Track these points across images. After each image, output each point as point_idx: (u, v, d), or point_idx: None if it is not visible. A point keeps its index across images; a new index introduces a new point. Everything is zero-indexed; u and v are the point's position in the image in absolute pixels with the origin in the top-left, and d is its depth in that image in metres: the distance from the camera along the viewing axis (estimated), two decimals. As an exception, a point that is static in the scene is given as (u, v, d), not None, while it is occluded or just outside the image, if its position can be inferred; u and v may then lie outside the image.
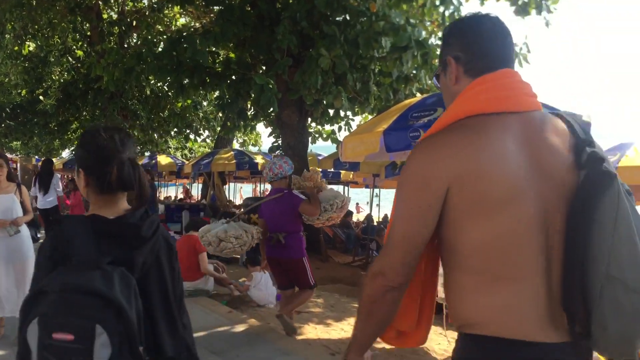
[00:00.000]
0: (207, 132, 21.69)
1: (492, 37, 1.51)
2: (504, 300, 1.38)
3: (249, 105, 10.95)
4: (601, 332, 1.32)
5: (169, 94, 18.87)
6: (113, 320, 1.38)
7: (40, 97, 16.37)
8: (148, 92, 18.36)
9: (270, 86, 7.96)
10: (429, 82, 8.83)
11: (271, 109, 11.29)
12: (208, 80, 10.34)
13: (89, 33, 16.80)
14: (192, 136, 21.46)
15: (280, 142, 11.27)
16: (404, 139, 4.49)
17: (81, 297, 1.38)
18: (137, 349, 1.43)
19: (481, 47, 1.51)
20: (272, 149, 11.31)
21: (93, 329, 1.35)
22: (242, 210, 9.92)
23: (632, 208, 1.33)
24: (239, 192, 26.58)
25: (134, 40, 16.92)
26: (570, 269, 1.36)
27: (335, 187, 12.42)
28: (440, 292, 5.55)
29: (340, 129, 12.70)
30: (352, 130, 13.37)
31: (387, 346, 5.32)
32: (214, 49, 9.97)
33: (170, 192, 28.10)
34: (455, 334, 5.39)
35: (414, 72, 8.46)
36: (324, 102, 9.74)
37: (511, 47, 1.54)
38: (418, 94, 9.41)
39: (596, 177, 1.34)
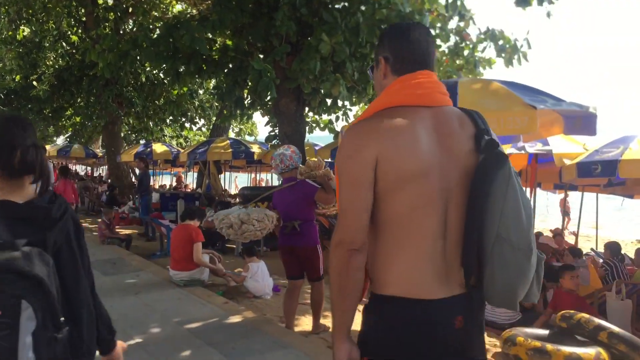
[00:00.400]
0: (202, 121, 21.54)
1: (416, 44, 1.81)
2: (406, 262, 1.65)
3: (245, 94, 10.81)
4: (490, 283, 1.65)
5: (165, 81, 18.71)
6: (37, 296, 1.52)
7: (34, 83, 16.13)
8: (143, 80, 18.16)
9: (268, 72, 7.81)
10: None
11: (269, 97, 11.26)
12: (205, 68, 10.19)
13: (84, 19, 16.55)
14: (187, 124, 21.30)
15: (277, 131, 11.14)
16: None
17: (5, 276, 1.50)
18: (58, 321, 1.60)
19: (406, 51, 1.81)
20: (269, 138, 11.20)
21: (19, 305, 1.49)
22: (237, 199, 9.83)
23: (518, 184, 1.66)
24: (234, 182, 26.46)
25: (130, 27, 16.68)
26: (470, 232, 1.65)
27: (332, 178, 12.32)
28: None
29: (337, 118, 12.59)
30: (350, 121, 13.30)
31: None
32: (211, 36, 9.79)
33: (165, 180, 27.95)
34: None
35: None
36: (322, 91, 9.62)
37: (432, 53, 1.84)
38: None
39: (492, 159, 1.66)
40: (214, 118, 19.72)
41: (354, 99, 9.64)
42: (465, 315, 1.68)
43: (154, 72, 18.43)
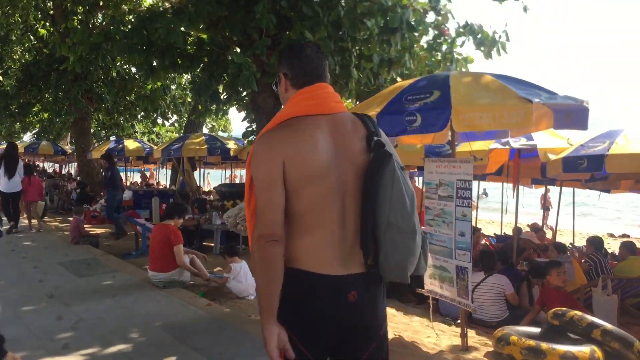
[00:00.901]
0: (175, 117, 21.13)
1: (310, 60, 2.09)
2: (310, 243, 1.95)
3: (221, 89, 10.55)
4: (385, 262, 1.93)
5: (136, 76, 18.27)
6: None
7: (0, 78, 15.59)
8: (114, 75, 17.70)
9: (249, 66, 7.60)
10: (412, 66, 8.61)
11: (245, 92, 11.03)
12: (180, 62, 9.92)
13: (52, 12, 16.06)
14: (160, 120, 20.89)
15: (254, 127, 10.92)
16: (399, 123, 4.26)
17: None
18: None
19: (302, 67, 2.08)
20: (245, 134, 10.94)
21: None
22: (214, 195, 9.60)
23: (402, 177, 1.94)
24: (207, 178, 26.10)
25: (100, 21, 16.23)
26: (365, 219, 1.93)
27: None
28: (428, 284, 5.25)
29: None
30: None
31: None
32: (185, 29, 9.51)
33: (137, 177, 27.42)
34: (442, 326, 5.14)
35: (398, 55, 8.19)
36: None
37: (325, 67, 2.13)
38: (399, 79, 9.20)
39: (379, 157, 1.95)
40: (187, 114, 19.38)
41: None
42: (360, 291, 1.97)
43: (125, 67, 17.99)
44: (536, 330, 5.01)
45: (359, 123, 2.08)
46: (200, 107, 12.02)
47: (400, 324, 5.71)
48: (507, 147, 7.19)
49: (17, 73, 15.28)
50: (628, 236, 18.44)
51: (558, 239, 11.49)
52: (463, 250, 4.67)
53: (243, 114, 12.10)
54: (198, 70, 10.24)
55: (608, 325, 4.57)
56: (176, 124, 20.83)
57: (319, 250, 1.96)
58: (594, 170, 6.39)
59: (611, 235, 19.28)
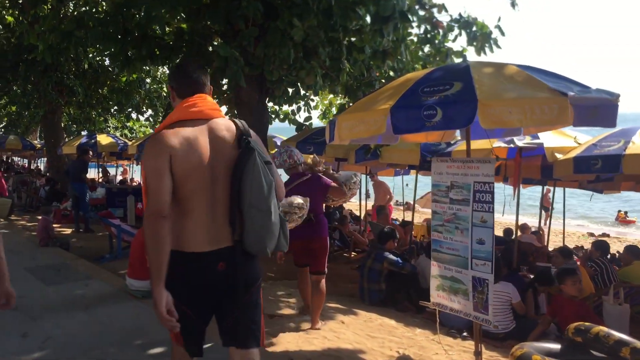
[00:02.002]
0: (150, 112, 20.35)
1: (190, 75, 2.62)
2: (181, 228, 2.41)
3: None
4: (247, 237, 2.43)
5: (109, 68, 17.49)
6: None
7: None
8: (86, 67, 16.91)
9: (236, 59, 7.04)
10: (407, 58, 8.14)
11: (225, 86, 10.44)
12: (157, 53, 9.30)
13: (20, 1, 15.22)
14: (134, 115, 20.10)
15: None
16: (416, 118, 3.76)
17: None
18: None
19: (184, 81, 2.62)
20: (228, 130, 10.40)
21: None
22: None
23: (262, 168, 2.45)
24: None
25: (71, 10, 15.44)
26: (233, 201, 2.42)
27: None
28: (434, 296, 4.73)
29: (299, 109, 11.90)
30: (311, 111, 12.60)
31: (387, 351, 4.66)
32: (166, 16, 8.90)
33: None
34: (448, 339, 4.51)
35: (393, 47, 7.70)
36: (285, 79, 8.90)
37: (205, 81, 2.65)
38: (391, 73, 8.72)
39: (245, 151, 2.45)
40: (162, 109, 18.67)
41: (326, 87, 8.86)
42: (227, 261, 2.44)
43: (98, 58, 17.21)
44: (555, 346, 4.58)
45: (232, 126, 2.57)
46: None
47: (403, 338, 5.24)
48: (511, 145, 6.76)
49: (-16, 63, 14.42)
50: (608, 235, 18.37)
51: (552, 240, 11.18)
52: (482, 260, 4.20)
53: (223, 108, 11.54)
54: (177, 61, 9.63)
55: (638, 343, 4.16)
56: (151, 119, 20.02)
57: (192, 233, 2.43)
58: (609, 171, 6.01)
59: (591, 235, 19.20)
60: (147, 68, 14.72)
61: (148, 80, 18.13)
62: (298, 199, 4.84)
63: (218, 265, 2.43)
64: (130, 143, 15.16)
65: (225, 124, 2.55)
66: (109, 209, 11.54)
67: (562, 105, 3.54)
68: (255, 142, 2.52)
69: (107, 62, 17.76)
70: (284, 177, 5.46)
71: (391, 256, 6.55)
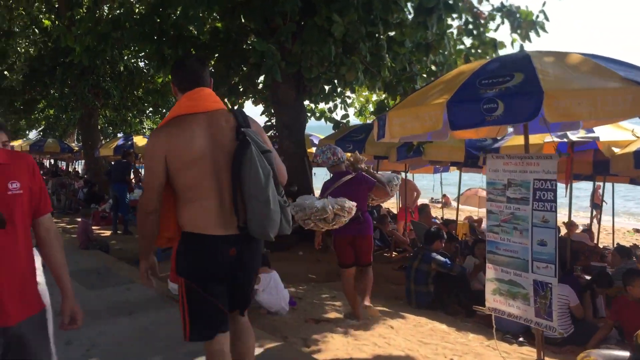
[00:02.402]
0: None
1: (190, 71, 2.77)
2: (194, 212, 2.64)
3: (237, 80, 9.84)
4: (250, 224, 2.57)
5: (144, 70, 17.58)
6: None
7: (6, 73, 14.92)
8: (121, 69, 17.02)
9: (272, 54, 6.87)
10: (451, 50, 7.86)
11: (261, 84, 10.30)
12: (193, 52, 9.22)
13: (56, 5, 15.38)
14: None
15: (274, 121, 10.22)
16: (475, 112, 3.52)
17: None
18: None
19: (184, 76, 2.78)
20: (265, 129, 10.24)
21: None
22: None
23: (259, 158, 2.56)
24: None
25: (106, 12, 15.52)
26: (235, 191, 2.58)
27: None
28: (490, 301, 4.44)
29: (336, 107, 11.70)
30: (348, 109, 12.39)
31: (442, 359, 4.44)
32: (201, 15, 8.79)
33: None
34: (504, 345, 4.08)
35: (437, 39, 7.43)
36: (323, 76, 8.70)
37: (205, 75, 2.78)
38: (433, 67, 8.45)
39: (242, 143, 2.58)
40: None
41: (365, 84, 8.63)
42: (237, 247, 2.66)
43: (132, 60, 17.32)
44: (623, 354, 4.28)
45: (231, 117, 2.68)
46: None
47: (457, 344, 4.99)
48: (564, 139, 6.43)
49: (24, 68, 14.56)
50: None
51: (603, 238, 10.75)
52: (544, 263, 3.95)
53: (259, 107, 11.43)
54: (213, 60, 9.54)
55: None
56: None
57: (204, 217, 2.61)
58: (678, 165, 5.66)
59: (638, 231, 18.52)
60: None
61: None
62: (349, 203, 4.83)
63: (230, 251, 2.65)
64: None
65: (224, 116, 2.69)
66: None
67: (636, 96, 3.26)
68: (253, 132, 2.65)
69: (142, 64, 17.89)
70: (319, 174, 5.38)
71: (439, 257, 6.29)
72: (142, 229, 2.77)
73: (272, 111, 10.22)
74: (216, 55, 9.45)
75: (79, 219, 9.71)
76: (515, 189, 4.21)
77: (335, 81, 9.43)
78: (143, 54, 10.43)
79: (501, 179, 4.31)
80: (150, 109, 19.53)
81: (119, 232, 11.46)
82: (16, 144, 24.36)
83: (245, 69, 9.49)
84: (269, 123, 10.32)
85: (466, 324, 5.89)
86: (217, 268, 2.65)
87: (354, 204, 4.92)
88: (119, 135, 21.16)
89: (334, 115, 11.45)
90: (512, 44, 8.20)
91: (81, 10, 14.45)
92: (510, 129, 5.29)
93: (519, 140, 6.31)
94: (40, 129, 24.99)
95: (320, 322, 5.30)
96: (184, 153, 2.56)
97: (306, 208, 4.86)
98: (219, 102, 2.75)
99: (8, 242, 2.10)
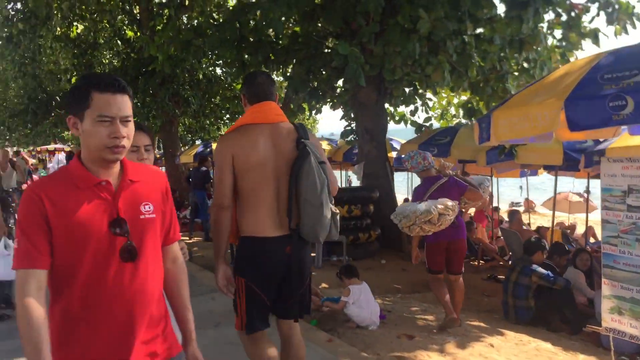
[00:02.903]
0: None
1: (259, 84, 3.03)
2: (254, 217, 2.89)
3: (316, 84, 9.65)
4: (303, 227, 2.87)
5: (221, 78, 17.78)
6: None
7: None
8: (200, 77, 17.26)
9: (356, 57, 6.63)
10: (547, 45, 7.35)
11: (342, 87, 10.07)
12: (272, 58, 9.12)
13: (138, 16, 15.81)
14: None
15: (354, 125, 9.96)
16: (599, 110, 3.14)
17: None
18: None
19: (254, 90, 3.04)
20: (345, 134, 10.00)
21: None
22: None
23: (317, 168, 2.83)
24: None
25: (185, 21, 15.82)
26: (292, 196, 2.85)
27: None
28: (607, 321, 3.95)
29: (416, 109, 11.29)
30: (429, 112, 11.94)
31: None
32: (282, 18, 8.67)
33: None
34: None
35: (531, 34, 6.94)
36: (407, 78, 8.38)
37: (272, 89, 3.05)
38: (525, 64, 7.95)
39: (302, 154, 2.85)
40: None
41: (451, 84, 8.22)
42: (292, 245, 2.91)
43: (210, 68, 17.56)
44: None
45: (293, 130, 2.95)
46: (292, 106, 11.15)
47: (568, 366, 4.55)
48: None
49: (109, 78, 15.04)
50: None
51: None
52: (676, 280, 3.48)
53: (333, 112, 11.19)
54: (292, 65, 9.41)
55: None
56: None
57: (262, 220, 2.87)
58: None
59: None
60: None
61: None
62: (451, 201, 4.83)
63: (285, 249, 2.89)
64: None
65: (286, 128, 2.97)
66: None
67: None
68: (312, 144, 2.92)
69: (219, 72, 18.13)
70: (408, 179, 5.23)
71: (541, 269, 5.82)
72: (217, 225, 2.93)
73: (352, 115, 9.96)
74: (294, 59, 9.30)
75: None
76: (637, 196, 3.77)
77: (417, 83, 9.10)
78: (222, 61, 10.44)
79: (620, 184, 3.89)
80: (227, 115, 19.71)
81: (194, 238, 11.57)
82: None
83: (324, 72, 9.29)
84: (349, 127, 10.06)
85: (572, 342, 5.41)
86: (273, 268, 2.91)
87: (456, 202, 4.92)
88: (197, 142, 21.54)
89: (415, 118, 11.06)
90: (615, 35, 7.57)
91: (162, 20, 14.80)
92: (624, 128, 4.79)
93: (627, 141, 5.75)
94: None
95: (414, 338, 4.98)
96: (248, 157, 2.86)
97: (409, 214, 4.80)
98: (283, 116, 3.04)
99: (140, 276, 1.80)
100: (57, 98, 17.32)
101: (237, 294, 2.96)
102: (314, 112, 11.57)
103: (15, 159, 13.13)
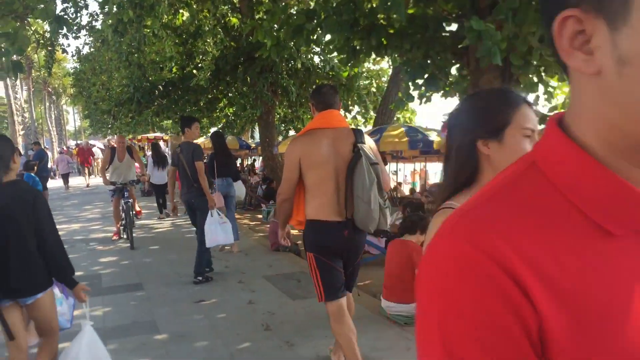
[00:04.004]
0: (356, 109, 19.91)
1: (324, 94, 3.69)
2: (319, 205, 3.54)
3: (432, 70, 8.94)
4: (356, 216, 3.46)
5: (319, 68, 17.37)
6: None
7: (194, 72, 15.52)
8: (299, 66, 16.94)
9: (491, 34, 5.91)
10: None
11: (458, 75, 9.31)
12: (385, 42, 8.51)
13: (238, 5, 15.66)
14: (342, 112, 19.76)
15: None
16: None
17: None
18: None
19: (320, 99, 3.70)
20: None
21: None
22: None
23: (367, 168, 3.42)
24: (413, 174, 24.42)
25: (294, 6, 15.48)
26: (348, 191, 3.45)
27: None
28: None
29: (537, 98, 10.34)
30: (552, 101, 10.93)
31: None
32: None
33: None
34: None
35: None
36: (536, 62, 7.52)
37: (336, 99, 3.71)
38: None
39: (356, 156, 3.45)
40: (371, 106, 18.17)
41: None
42: (349, 230, 3.55)
43: (309, 56, 17.19)
44: None
45: (352, 134, 3.60)
46: (400, 95, 10.47)
47: None
48: None
49: (211, 65, 14.99)
50: None
51: None
52: None
53: (454, 99, 10.44)
54: (407, 50, 8.75)
55: None
56: (359, 116, 19.57)
57: (325, 208, 3.55)
58: None
59: None
60: (374, 58, 14.12)
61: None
62: None
63: (344, 232, 3.53)
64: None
65: (346, 133, 3.59)
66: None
67: None
68: (366, 147, 3.52)
69: (316, 61, 17.73)
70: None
71: None
72: (280, 210, 3.78)
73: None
74: (410, 43, 8.65)
75: (272, 221, 9.48)
76: None
77: (542, 69, 8.21)
78: (333, 45, 9.94)
79: None
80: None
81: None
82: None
83: (439, 58, 8.59)
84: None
85: None
86: (336, 245, 3.57)
87: None
88: (291, 132, 21.36)
89: (538, 108, 10.13)
90: None
91: (262, 7, 14.55)
92: None
93: None
94: (219, 126, 26.18)
95: None
96: (312, 157, 3.50)
97: None
98: (344, 122, 3.73)
99: None
100: (160, 87, 17.51)
101: (311, 271, 3.66)
102: (423, 100, 10.83)
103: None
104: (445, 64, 8.44)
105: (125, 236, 9.82)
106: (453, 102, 10.50)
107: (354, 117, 20.08)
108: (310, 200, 3.58)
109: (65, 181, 23.53)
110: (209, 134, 27.20)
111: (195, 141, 7.18)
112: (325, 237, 3.54)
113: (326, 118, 3.61)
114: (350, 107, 19.23)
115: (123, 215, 9.69)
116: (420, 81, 8.61)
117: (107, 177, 9.98)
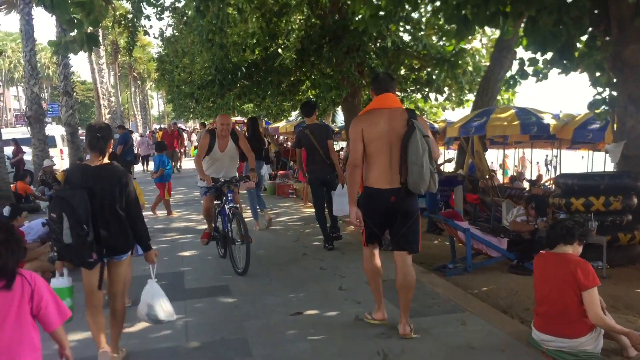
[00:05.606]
0: (446, 89, 18.33)
1: (382, 81, 4.49)
2: (374, 173, 4.29)
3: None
4: (409, 181, 4.14)
5: (409, 46, 16.09)
6: (70, 212, 3.56)
7: (279, 51, 14.69)
8: (388, 44, 15.71)
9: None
10: None
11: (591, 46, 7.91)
12: (502, 10, 7.26)
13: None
14: (432, 95, 18.24)
15: (605, 94, 7.76)
16: None
17: (59, 200, 3.66)
18: (82, 228, 3.58)
19: (377, 84, 4.51)
20: (595, 104, 7.81)
21: (62, 215, 3.57)
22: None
23: (421, 139, 4.10)
24: (522, 162, 22.79)
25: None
26: (403, 159, 4.14)
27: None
28: None
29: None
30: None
31: None
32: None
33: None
34: None
35: None
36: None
37: (392, 84, 4.46)
38: None
39: (410, 129, 4.13)
40: (467, 87, 16.55)
41: None
42: (396, 196, 4.20)
43: (401, 33, 15.94)
44: None
45: (405, 113, 4.23)
46: (515, 75, 9.07)
47: None
48: None
49: (297, 43, 14.12)
50: None
51: None
52: None
53: (576, 74, 9.00)
54: (532, 16, 7.45)
55: None
56: (453, 96, 18.06)
57: (378, 176, 4.24)
58: None
59: None
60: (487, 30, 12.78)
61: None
62: None
63: (391, 199, 4.23)
64: (454, 124, 13.44)
65: (400, 112, 4.28)
66: (454, 209, 9.91)
67: None
68: (418, 123, 4.17)
69: (406, 39, 16.44)
70: None
71: None
72: (351, 178, 4.35)
73: (606, 81, 7.75)
74: (534, 8, 7.34)
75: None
76: None
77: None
78: (442, 14, 8.75)
79: None
80: (412, 88, 17.93)
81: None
82: (280, 124, 25.14)
83: (575, 25, 7.24)
84: (600, 97, 7.86)
85: None
86: (379, 209, 4.32)
87: None
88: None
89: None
90: None
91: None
92: None
93: None
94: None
95: None
96: (371, 132, 4.23)
97: None
98: (398, 103, 4.46)
99: None
100: (242, 69, 16.82)
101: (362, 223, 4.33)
102: (539, 77, 9.37)
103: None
104: (581, 32, 7.12)
105: (221, 252, 7.50)
106: (567, 80, 9.05)
107: (447, 99, 18.47)
108: (368, 170, 4.32)
109: (145, 163, 23.46)
110: (290, 119, 26.61)
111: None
112: (373, 202, 4.33)
113: (383, 100, 4.36)
114: (445, 89, 17.54)
115: (220, 220, 7.31)
116: (548, 55, 7.31)
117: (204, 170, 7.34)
